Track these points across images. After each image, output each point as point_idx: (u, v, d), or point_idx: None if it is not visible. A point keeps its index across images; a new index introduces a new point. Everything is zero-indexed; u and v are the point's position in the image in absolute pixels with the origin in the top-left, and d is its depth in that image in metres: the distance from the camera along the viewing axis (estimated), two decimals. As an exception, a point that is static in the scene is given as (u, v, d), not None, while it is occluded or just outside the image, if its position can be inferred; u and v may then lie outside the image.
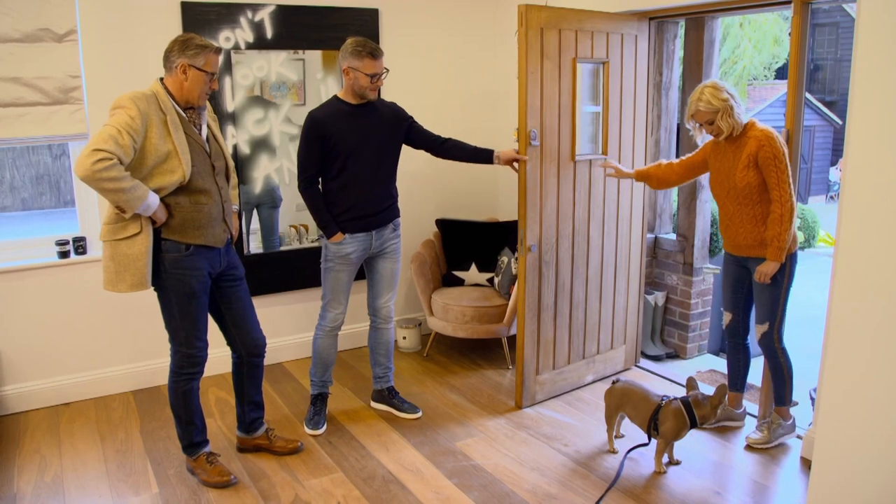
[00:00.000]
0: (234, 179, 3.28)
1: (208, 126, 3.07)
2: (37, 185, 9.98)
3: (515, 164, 3.68)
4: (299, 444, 3.47)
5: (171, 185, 2.85)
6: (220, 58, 2.93)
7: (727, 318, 3.57)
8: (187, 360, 3.08)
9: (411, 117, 3.69)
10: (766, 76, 11.11)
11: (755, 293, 3.37)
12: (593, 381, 4.30)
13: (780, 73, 11.80)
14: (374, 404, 3.99)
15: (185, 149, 2.86)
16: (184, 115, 2.92)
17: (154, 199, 2.81)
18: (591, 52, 3.88)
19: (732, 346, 3.62)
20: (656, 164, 3.73)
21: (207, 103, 3.12)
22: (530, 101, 3.65)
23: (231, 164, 3.18)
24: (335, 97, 3.50)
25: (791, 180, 3.15)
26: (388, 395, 3.94)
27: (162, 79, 2.91)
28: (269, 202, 4.43)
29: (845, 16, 13.52)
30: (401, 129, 3.62)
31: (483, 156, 3.68)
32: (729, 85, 3.26)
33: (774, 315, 3.32)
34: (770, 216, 3.19)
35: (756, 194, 3.22)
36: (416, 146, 3.72)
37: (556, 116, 3.79)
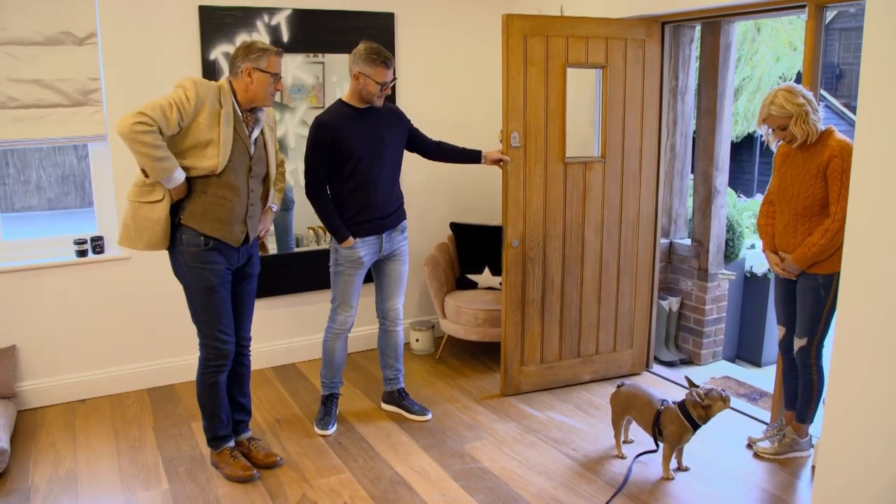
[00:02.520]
0: (281, 183, 3.41)
1: (263, 133, 3.15)
2: (62, 185, 10.14)
3: (501, 164, 3.80)
4: (278, 458, 3.41)
5: (202, 170, 2.94)
6: (281, 60, 3.06)
7: (780, 332, 3.43)
8: (214, 352, 3.15)
9: (409, 120, 3.74)
10: (780, 82, 11.03)
11: (798, 307, 3.26)
12: (591, 381, 4.32)
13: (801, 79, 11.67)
14: (384, 406, 4.01)
15: (229, 143, 2.95)
16: (240, 113, 3.01)
17: (179, 176, 2.90)
18: (586, 57, 3.95)
19: (787, 363, 3.44)
20: (768, 230, 3.39)
21: (274, 113, 3.26)
22: (512, 105, 3.84)
23: (273, 171, 3.24)
24: (340, 101, 3.53)
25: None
26: (399, 397, 3.96)
27: (230, 80, 3.03)
28: (281, 205, 4.47)
29: (872, 20, 13.33)
30: (403, 131, 3.67)
31: (471, 156, 3.79)
32: (805, 90, 3.09)
33: (814, 331, 3.21)
34: (820, 225, 3.07)
35: (817, 207, 3.09)
36: (412, 149, 3.77)
37: (543, 119, 3.92)
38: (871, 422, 2.08)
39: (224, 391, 3.25)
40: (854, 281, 2.11)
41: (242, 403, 3.42)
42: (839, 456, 2.20)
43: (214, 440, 3.31)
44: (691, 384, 3.22)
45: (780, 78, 10.63)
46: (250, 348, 3.40)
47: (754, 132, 13.43)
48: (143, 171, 2.88)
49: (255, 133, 3.08)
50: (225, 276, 3.12)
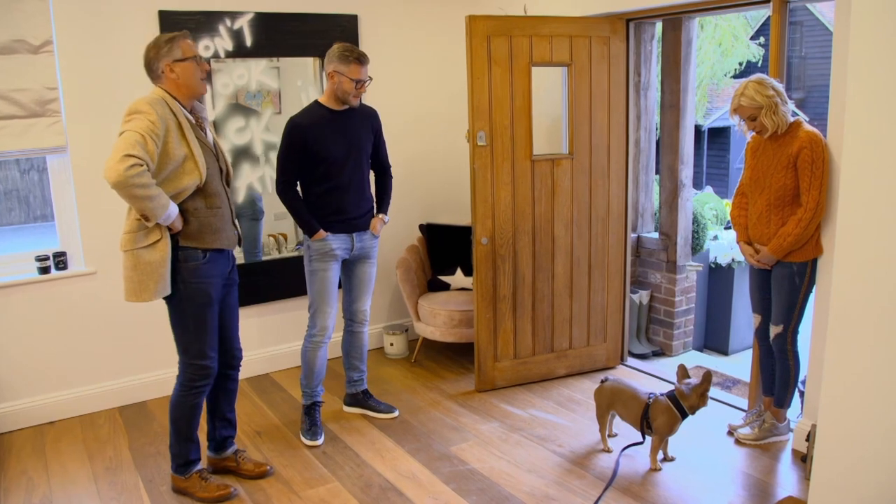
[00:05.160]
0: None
1: (211, 132, 3.07)
2: (5, 202, 9.76)
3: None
4: (268, 468, 3.36)
5: (190, 187, 2.84)
6: (191, 40, 2.90)
7: (756, 320, 3.49)
8: (200, 372, 3.02)
9: (381, 128, 3.71)
10: (730, 74, 11.30)
11: (773, 294, 3.33)
12: (566, 375, 4.37)
13: (746, 73, 12.00)
14: (347, 408, 4.00)
15: (200, 151, 2.85)
16: (191, 118, 2.90)
17: (174, 209, 2.80)
18: (551, 56, 4.01)
19: (763, 350, 3.51)
20: (741, 222, 3.45)
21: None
22: (477, 104, 3.90)
23: (230, 166, 3.16)
24: (316, 102, 3.50)
25: (824, 189, 3.06)
26: (364, 398, 3.95)
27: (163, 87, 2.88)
28: (250, 214, 4.38)
29: (808, 14, 13.78)
30: (371, 136, 3.64)
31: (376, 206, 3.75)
32: (775, 81, 3.16)
33: (790, 318, 3.28)
34: (793, 216, 3.15)
35: (789, 196, 3.16)
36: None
37: (509, 117, 3.98)
38: (869, 408, 2.13)
39: (201, 410, 3.13)
40: (848, 265, 2.15)
41: (230, 419, 3.33)
42: (837, 443, 2.24)
43: (185, 465, 3.17)
44: (685, 374, 3.27)
45: (739, 70, 10.86)
46: (241, 360, 3.32)
47: (701, 126, 13.76)
48: (144, 216, 2.73)
49: (209, 133, 3.01)
50: (220, 290, 3.04)
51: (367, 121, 3.61)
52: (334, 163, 3.45)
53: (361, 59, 3.37)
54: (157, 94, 2.81)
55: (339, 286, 3.74)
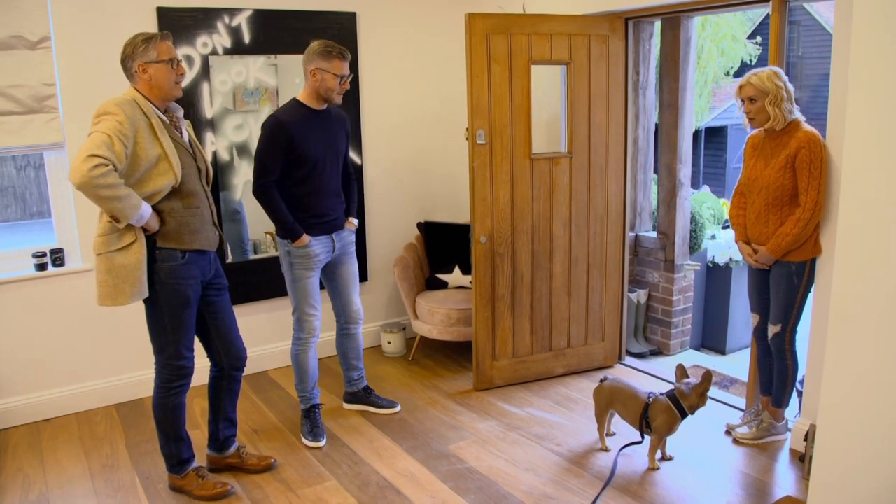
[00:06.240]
0: None
1: (188, 131, 3.04)
2: (1, 198, 9.73)
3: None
4: (272, 460, 3.37)
5: (165, 188, 2.80)
6: (171, 42, 2.88)
7: (754, 320, 3.49)
8: (177, 372, 3.01)
9: (350, 132, 3.69)
10: (733, 72, 11.33)
11: (771, 294, 3.33)
12: (564, 374, 4.37)
13: (741, 72, 12.01)
14: (347, 405, 4.00)
15: (174, 151, 2.82)
16: (165, 119, 2.87)
17: (147, 209, 2.76)
18: (550, 54, 4.00)
19: (761, 350, 3.51)
20: (740, 221, 3.46)
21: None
22: (476, 103, 3.89)
23: (210, 168, 3.13)
24: (295, 101, 3.44)
25: (822, 189, 3.06)
26: (364, 395, 3.96)
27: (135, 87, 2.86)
28: (227, 216, 4.32)
29: (805, 14, 13.80)
30: (345, 138, 3.63)
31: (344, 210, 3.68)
32: (787, 80, 3.15)
33: (788, 318, 3.28)
34: (791, 215, 3.15)
35: (787, 196, 3.16)
36: None
37: (508, 116, 3.97)
38: (869, 408, 2.13)
39: (185, 410, 3.11)
40: (848, 265, 2.15)
41: (232, 418, 3.32)
42: (837, 443, 2.24)
43: (179, 464, 3.15)
44: (684, 373, 3.27)
45: (735, 69, 10.87)
46: (246, 361, 3.29)
47: (698, 125, 13.78)
48: (114, 218, 2.70)
49: (185, 134, 2.98)
50: (199, 290, 3.01)
51: (341, 123, 3.58)
52: (316, 164, 3.41)
53: (344, 55, 3.33)
54: (128, 96, 2.79)
55: (322, 287, 3.71)
